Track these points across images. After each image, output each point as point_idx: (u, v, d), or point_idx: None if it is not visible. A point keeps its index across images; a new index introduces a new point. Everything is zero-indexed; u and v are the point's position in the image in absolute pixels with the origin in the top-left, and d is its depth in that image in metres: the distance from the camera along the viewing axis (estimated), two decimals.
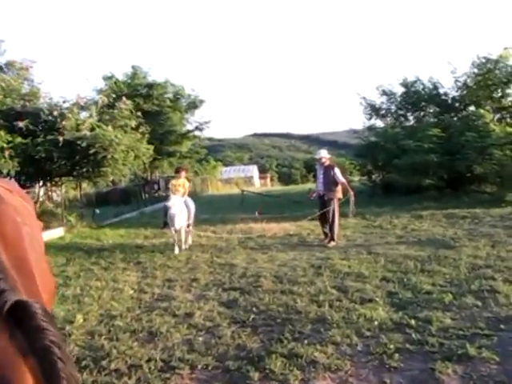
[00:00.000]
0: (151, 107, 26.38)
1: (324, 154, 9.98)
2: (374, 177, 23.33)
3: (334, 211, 9.56)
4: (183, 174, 10.60)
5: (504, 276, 6.35)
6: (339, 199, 9.81)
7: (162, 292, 6.71)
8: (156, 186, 30.79)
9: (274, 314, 5.44)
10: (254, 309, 5.65)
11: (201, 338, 4.80)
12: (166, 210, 10.14)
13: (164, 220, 10.51)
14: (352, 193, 9.80)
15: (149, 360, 4.30)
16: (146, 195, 26.56)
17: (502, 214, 12.37)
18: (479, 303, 5.32)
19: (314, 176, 10.49)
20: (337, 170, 9.78)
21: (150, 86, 27.50)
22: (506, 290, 5.69)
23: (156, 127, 26.89)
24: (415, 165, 17.38)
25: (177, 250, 9.76)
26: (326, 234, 9.76)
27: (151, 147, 17.76)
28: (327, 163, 9.89)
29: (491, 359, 3.91)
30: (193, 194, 32.05)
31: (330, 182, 9.66)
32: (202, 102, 30.85)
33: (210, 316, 5.49)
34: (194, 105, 30.78)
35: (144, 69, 28.35)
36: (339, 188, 9.78)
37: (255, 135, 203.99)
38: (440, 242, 9.10)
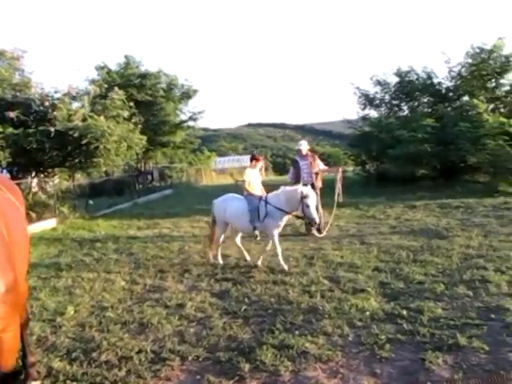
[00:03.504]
0: (144, 97, 26.19)
1: (305, 146, 10.15)
2: (367, 167, 23.33)
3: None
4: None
5: (495, 266, 6.36)
6: (320, 188, 9.92)
7: (153, 283, 6.69)
8: (150, 177, 30.66)
9: (265, 304, 5.43)
10: (246, 299, 5.64)
11: (192, 329, 4.79)
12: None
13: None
14: (340, 174, 9.72)
15: (139, 351, 4.29)
16: (140, 186, 26.45)
17: (495, 203, 12.39)
18: (470, 293, 5.34)
19: (294, 167, 10.15)
20: (317, 158, 10.10)
21: (143, 76, 27.28)
22: (497, 280, 5.71)
23: (149, 117, 26.78)
24: (409, 155, 17.35)
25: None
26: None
27: (144, 137, 17.66)
28: (308, 153, 10.06)
29: (481, 348, 3.93)
30: (187, 184, 32.29)
31: (313, 172, 9.80)
32: (195, 91, 30.68)
33: (202, 307, 5.47)
34: (187, 95, 30.60)
35: (137, 59, 28.12)
36: (320, 177, 10.03)
37: (250, 125, 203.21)
38: (433, 232, 9.11)
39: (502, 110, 19.32)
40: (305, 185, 9.61)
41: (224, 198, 7.87)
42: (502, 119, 16.19)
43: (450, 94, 20.97)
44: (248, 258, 7.70)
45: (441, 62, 20.67)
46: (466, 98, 20.15)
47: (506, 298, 5.08)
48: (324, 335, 4.42)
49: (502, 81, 19.77)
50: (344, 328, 4.55)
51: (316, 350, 4.09)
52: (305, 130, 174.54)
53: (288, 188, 7.30)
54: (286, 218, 7.25)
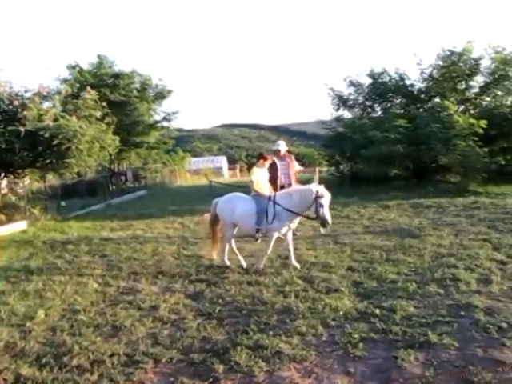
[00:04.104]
0: (117, 97, 25.90)
1: (284, 147, 9.89)
2: (341, 167, 23.52)
3: None
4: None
5: (466, 264, 6.51)
6: None
7: (127, 285, 6.61)
8: (123, 178, 30.32)
9: (240, 305, 5.44)
10: (220, 300, 5.63)
11: (166, 331, 4.75)
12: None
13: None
14: (317, 174, 9.60)
15: (112, 355, 4.23)
16: (113, 187, 26.12)
17: (466, 203, 12.66)
18: (441, 291, 5.45)
19: (271, 168, 9.66)
20: (293, 159, 9.91)
21: (117, 75, 26.98)
22: (467, 278, 5.84)
23: (123, 118, 26.46)
24: (382, 155, 17.57)
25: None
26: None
27: (117, 138, 17.43)
28: (286, 154, 9.88)
29: (451, 345, 4.01)
30: (161, 185, 32.04)
31: (292, 174, 9.68)
32: (169, 92, 30.49)
33: (176, 308, 5.44)
34: (161, 95, 30.38)
35: (110, 58, 27.83)
36: (296, 178, 9.90)
37: (224, 126, 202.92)
38: (406, 232, 9.25)
39: (471, 112, 19.80)
40: (282, 186, 9.59)
41: (230, 197, 7.46)
42: (472, 120, 16.56)
43: (422, 95, 21.36)
44: (244, 263, 7.30)
45: (413, 64, 20.97)
46: (437, 99, 20.56)
47: (475, 296, 5.21)
48: (298, 335, 4.44)
49: (471, 83, 20.37)
50: (318, 328, 4.58)
51: (290, 350, 4.11)
52: (280, 131, 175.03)
53: (301, 187, 7.15)
54: (297, 220, 7.08)
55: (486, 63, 19.57)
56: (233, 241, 7.55)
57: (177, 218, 13.21)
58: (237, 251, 7.49)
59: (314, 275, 6.43)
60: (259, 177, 7.35)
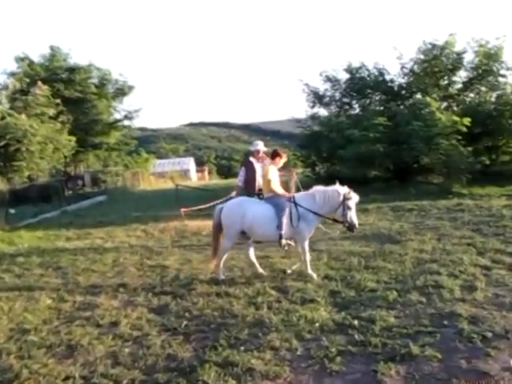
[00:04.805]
0: (73, 93, 25.60)
1: (262, 147, 9.78)
2: (317, 169, 23.61)
3: None
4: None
5: (449, 270, 6.65)
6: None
7: (84, 300, 6.51)
8: (80, 182, 29.90)
9: (208, 319, 5.43)
10: (187, 314, 5.62)
11: (127, 350, 4.70)
12: None
13: None
14: (295, 177, 9.61)
15: (66, 378, 4.17)
16: (69, 192, 25.73)
17: (449, 205, 12.92)
18: (424, 299, 5.56)
19: (248, 169, 9.41)
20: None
21: (72, 69, 26.65)
22: (451, 285, 5.97)
23: (79, 116, 26.13)
24: (361, 155, 17.75)
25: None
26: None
27: (73, 138, 17.26)
28: (263, 156, 9.78)
29: (434, 357, 4.09)
30: (123, 190, 31.72)
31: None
32: (131, 88, 30.33)
33: (138, 324, 5.40)
34: (122, 91, 30.17)
35: (64, 50, 27.44)
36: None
37: (191, 125, 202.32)
38: (386, 237, 9.39)
39: (454, 109, 20.19)
40: (259, 190, 9.53)
41: (238, 201, 7.33)
42: (455, 118, 16.90)
43: (403, 91, 21.68)
44: (262, 271, 7.19)
45: (393, 58, 21.30)
46: (418, 95, 20.87)
47: (458, 304, 5.32)
48: (271, 350, 4.46)
49: (454, 78, 20.75)
50: (292, 341, 4.60)
51: (262, 367, 4.12)
52: (251, 130, 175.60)
53: (325, 188, 7.07)
54: (318, 222, 7.09)
55: (469, 57, 20.02)
56: (251, 249, 7.39)
57: (140, 226, 13.10)
58: (254, 260, 7.35)
59: (289, 285, 6.47)
60: (274, 176, 7.25)
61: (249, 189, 9.13)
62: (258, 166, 9.49)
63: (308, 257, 6.94)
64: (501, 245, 7.98)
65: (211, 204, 9.57)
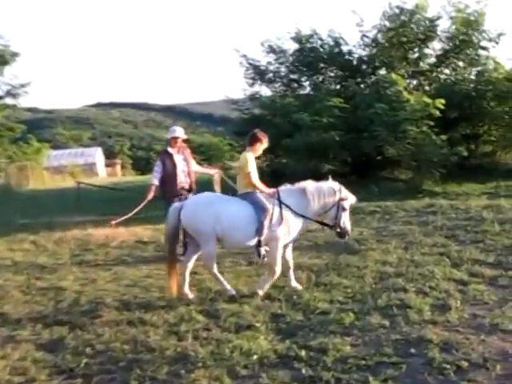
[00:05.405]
0: None
1: (181, 134, 9.70)
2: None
3: None
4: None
5: (417, 286, 6.85)
6: None
7: None
8: None
9: (116, 354, 5.35)
10: (89, 350, 5.51)
11: None
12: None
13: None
14: (218, 176, 9.57)
15: None
16: None
17: (418, 206, 13.25)
18: (386, 323, 5.68)
19: (165, 162, 9.40)
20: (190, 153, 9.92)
21: None
22: (419, 304, 6.13)
23: None
24: (312, 145, 17.91)
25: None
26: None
27: None
28: (183, 145, 9.69)
29: None
30: (5, 189, 30.68)
31: (192, 172, 9.60)
32: (15, 55, 29.41)
33: (21, 367, 5.22)
34: (2, 59, 29.18)
35: None
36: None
37: (99, 105, 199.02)
38: (341, 246, 9.49)
39: (426, 88, 20.70)
40: (182, 189, 9.42)
41: (205, 199, 7.18)
42: (427, 99, 17.25)
43: (364, 66, 22.10)
44: (233, 291, 7.01)
45: (351, 25, 21.55)
46: (382, 71, 21.24)
47: (428, 327, 5.48)
48: None
49: (426, 51, 21.24)
50: (224, 379, 4.61)
51: None
52: (176, 113, 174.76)
53: (318, 183, 7.18)
54: (303, 227, 7.16)
55: (444, 25, 20.62)
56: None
57: (28, 236, 12.70)
58: (221, 277, 7.18)
59: (220, 308, 6.47)
60: (254, 167, 7.21)
61: (167, 188, 9.07)
62: (178, 159, 9.42)
63: (277, 270, 6.93)
64: (480, 254, 8.30)
65: (139, 207, 9.24)
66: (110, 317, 6.50)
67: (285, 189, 7.27)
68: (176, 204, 7.42)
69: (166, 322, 6.16)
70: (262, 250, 6.88)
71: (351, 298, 6.63)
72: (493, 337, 5.17)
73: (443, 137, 16.88)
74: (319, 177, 19.22)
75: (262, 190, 7.13)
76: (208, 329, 5.83)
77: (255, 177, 7.13)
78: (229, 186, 8.84)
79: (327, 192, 7.02)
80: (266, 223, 6.78)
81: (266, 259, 7.04)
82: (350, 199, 7.19)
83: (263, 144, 7.62)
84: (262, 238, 6.82)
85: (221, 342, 5.41)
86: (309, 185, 7.15)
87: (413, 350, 4.96)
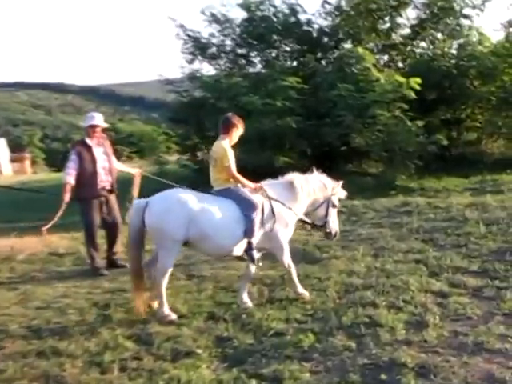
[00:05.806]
0: None
1: (101, 121, 9.57)
2: (200, 154, 23.41)
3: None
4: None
5: (389, 300, 6.88)
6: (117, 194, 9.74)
7: None
8: None
9: None
10: None
11: None
12: None
13: None
14: (139, 179, 9.49)
15: None
16: None
17: (391, 206, 13.40)
18: (353, 344, 5.68)
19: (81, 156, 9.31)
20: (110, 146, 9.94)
21: None
22: (391, 321, 6.15)
23: None
24: (264, 134, 17.94)
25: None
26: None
27: None
28: (103, 136, 9.57)
29: None
30: None
31: (114, 169, 9.60)
32: None
33: None
34: None
35: None
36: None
37: (2, 86, 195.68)
38: (299, 254, 9.52)
39: (399, 65, 20.89)
40: (102, 189, 9.32)
41: (177, 196, 6.89)
42: (400, 78, 17.39)
43: (325, 39, 22.21)
44: (173, 316, 6.78)
45: None
46: (347, 45, 21.38)
47: (402, 348, 5.48)
48: None
49: (399, 20, 21.38)
50: None
51: None
52: (100, 96, 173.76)
53: (306, 176, 7.26)
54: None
55: None
56: (165, 281, 6.90)
57: None
58: (165, 298, 6.87)
59: (153, 332, 6.38)
60: (233, 158, 7.15)
61: (85, 188, 8.96)
62: (98, 152, 9.30)
63: (294, 275, 7.21)
64: (462, 261, 8.42)
65: (60, 211, 9.03)
66: (14, 348, 6.30)
67: (269, 183, 7.36)
68: (139, 201, 7.15)
69: (87, 351, 6.02)
70: (255, 253, 6.92)
71: (311, 315, 6.62)
72: (477, 358, 5.20)
73: (419, 123, 17.06)
74: (273, 171, 19.38)
75: (246, 185, 7.16)
76: (138, 358, 5.73)
77: (235, 169, 7.12)
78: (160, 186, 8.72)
79: (319, 186, 7.19)
80: (257, 221, 6.83)
81: (260, 264, 7.18)
82: (340, 194, 7.39)
83: (239, 129, 7.46)
84: (254, 241, 6.87)
85: (154, 374, 5.33)
86: (296, 177, 7.24)
87: (384, 376, 4.95)
